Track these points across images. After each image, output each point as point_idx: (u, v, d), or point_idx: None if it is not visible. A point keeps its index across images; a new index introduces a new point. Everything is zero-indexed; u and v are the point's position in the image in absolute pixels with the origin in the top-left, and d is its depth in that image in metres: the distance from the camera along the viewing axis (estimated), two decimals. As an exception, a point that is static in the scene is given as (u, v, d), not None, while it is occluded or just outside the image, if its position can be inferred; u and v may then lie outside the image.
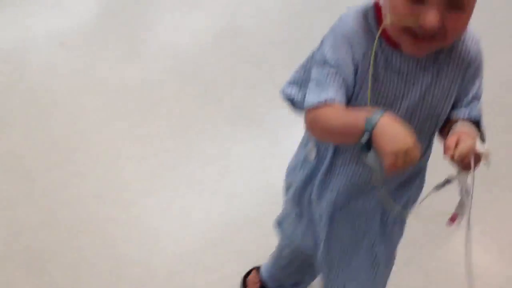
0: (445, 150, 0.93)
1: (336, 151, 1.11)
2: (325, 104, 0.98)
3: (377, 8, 1.01)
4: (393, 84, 1.01)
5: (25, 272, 1.66)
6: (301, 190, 1.22)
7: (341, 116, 0.98)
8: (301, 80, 1.09)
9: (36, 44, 2.41)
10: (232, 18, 2.69)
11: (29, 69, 2.30)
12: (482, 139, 1.02)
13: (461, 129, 0.99)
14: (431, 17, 0.88)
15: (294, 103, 1.11)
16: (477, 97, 1.07)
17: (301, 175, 1.20)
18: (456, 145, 0.92)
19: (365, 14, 1.01)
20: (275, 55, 2.48)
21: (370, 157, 0.93)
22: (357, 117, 0.94)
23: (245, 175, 1.97)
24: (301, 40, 2.57)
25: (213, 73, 2.37)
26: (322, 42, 1.04)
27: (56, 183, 1.89)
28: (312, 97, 1.01)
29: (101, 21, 2.60)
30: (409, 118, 1.02)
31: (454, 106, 1.06)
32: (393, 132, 0.89)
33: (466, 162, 0.91)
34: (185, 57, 2.44)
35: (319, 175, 1.15)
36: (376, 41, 0.97)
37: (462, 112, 1.05)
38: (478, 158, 0.92)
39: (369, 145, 0.91)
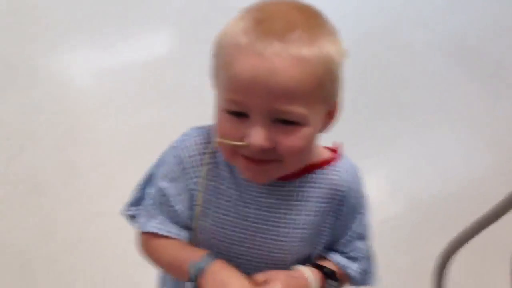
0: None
1: None
2: (152, 233, 0.88)
3: None
4: (242, 215, 0.86)
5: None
6: None
7: (168, 252, 0.87)
8: (140, 199, 0.95)
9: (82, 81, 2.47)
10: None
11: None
12: (354, 283, 0.94)
13: (289, 272, 0.86)
14: (255, 136, 0.74)
15: (135, 222, 0.96)
16: (359, 237, 0.93)
17: None
18: (261, 283, 0.82)
19: (209, 133, 0.87)
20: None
21: None
22: (185, 259, 0.84)
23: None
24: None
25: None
26: (159, 160, 0.92)
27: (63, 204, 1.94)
28: (142, 221, 0.90)
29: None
30: (272, 257, 0.88)
31: (331, 246, 0.93)
32: (220, 280, 0.79)
33: None
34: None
35: None
36: (206, 168, 0.86)
37: (334, 254, 0.93)
38: None
39: None
